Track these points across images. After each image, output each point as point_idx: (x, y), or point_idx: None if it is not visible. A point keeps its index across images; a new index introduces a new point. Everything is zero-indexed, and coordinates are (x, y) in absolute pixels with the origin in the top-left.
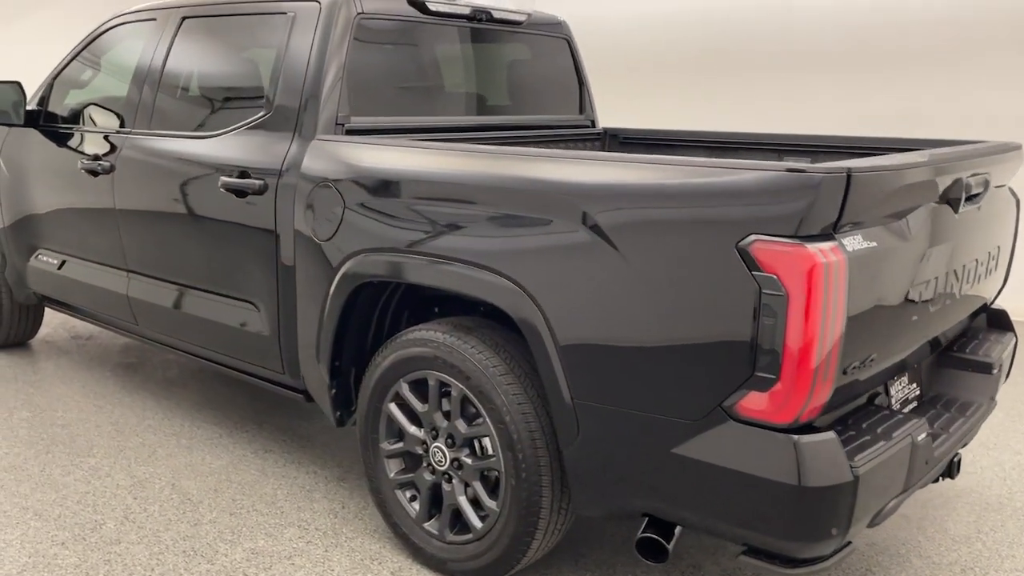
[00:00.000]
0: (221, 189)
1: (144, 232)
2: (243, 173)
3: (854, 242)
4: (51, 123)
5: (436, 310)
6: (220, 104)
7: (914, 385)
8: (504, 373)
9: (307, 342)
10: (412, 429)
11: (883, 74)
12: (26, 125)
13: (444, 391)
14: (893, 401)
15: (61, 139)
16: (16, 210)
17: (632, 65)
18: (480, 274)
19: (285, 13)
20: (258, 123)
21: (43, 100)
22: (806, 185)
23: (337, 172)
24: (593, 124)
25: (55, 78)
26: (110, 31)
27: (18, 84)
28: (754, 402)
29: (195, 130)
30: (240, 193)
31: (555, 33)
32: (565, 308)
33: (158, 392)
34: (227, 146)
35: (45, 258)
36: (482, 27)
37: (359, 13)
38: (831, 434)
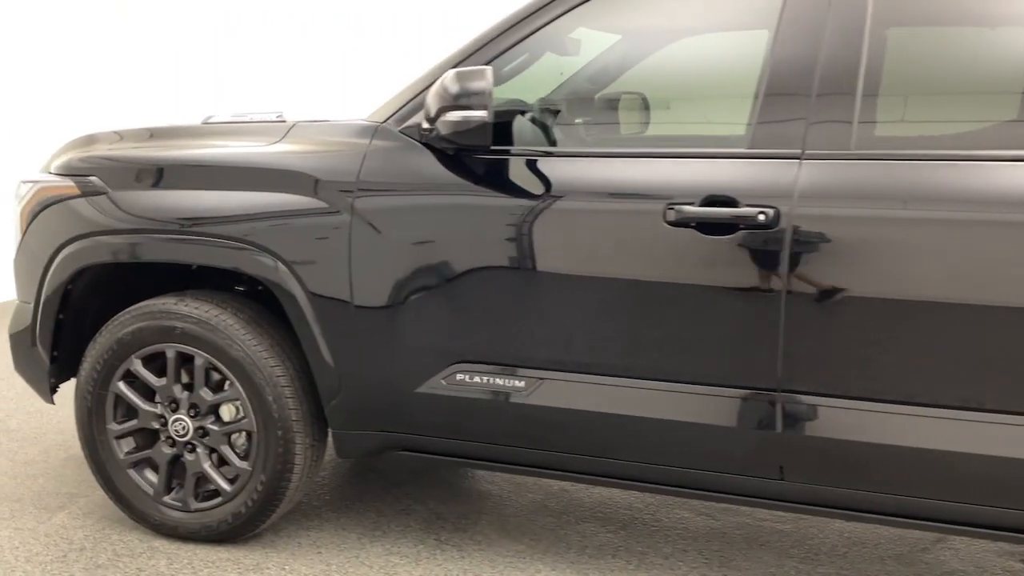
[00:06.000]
0: None
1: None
2: None
3: None
4: (505, 143)
5: None
6: None
7: None
8: None
9: None
10: None
11: None
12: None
13: None
14: None
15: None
16: (397, 296)
17: None
18: None
19: None
20: None
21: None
22: None
23: None
24: None
25: (489, 64)
26: None
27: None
28: None
29: None
30: None
31: None
32: None
33: None
34: None
35: (484, 379)
36: None
37: None
38: None
